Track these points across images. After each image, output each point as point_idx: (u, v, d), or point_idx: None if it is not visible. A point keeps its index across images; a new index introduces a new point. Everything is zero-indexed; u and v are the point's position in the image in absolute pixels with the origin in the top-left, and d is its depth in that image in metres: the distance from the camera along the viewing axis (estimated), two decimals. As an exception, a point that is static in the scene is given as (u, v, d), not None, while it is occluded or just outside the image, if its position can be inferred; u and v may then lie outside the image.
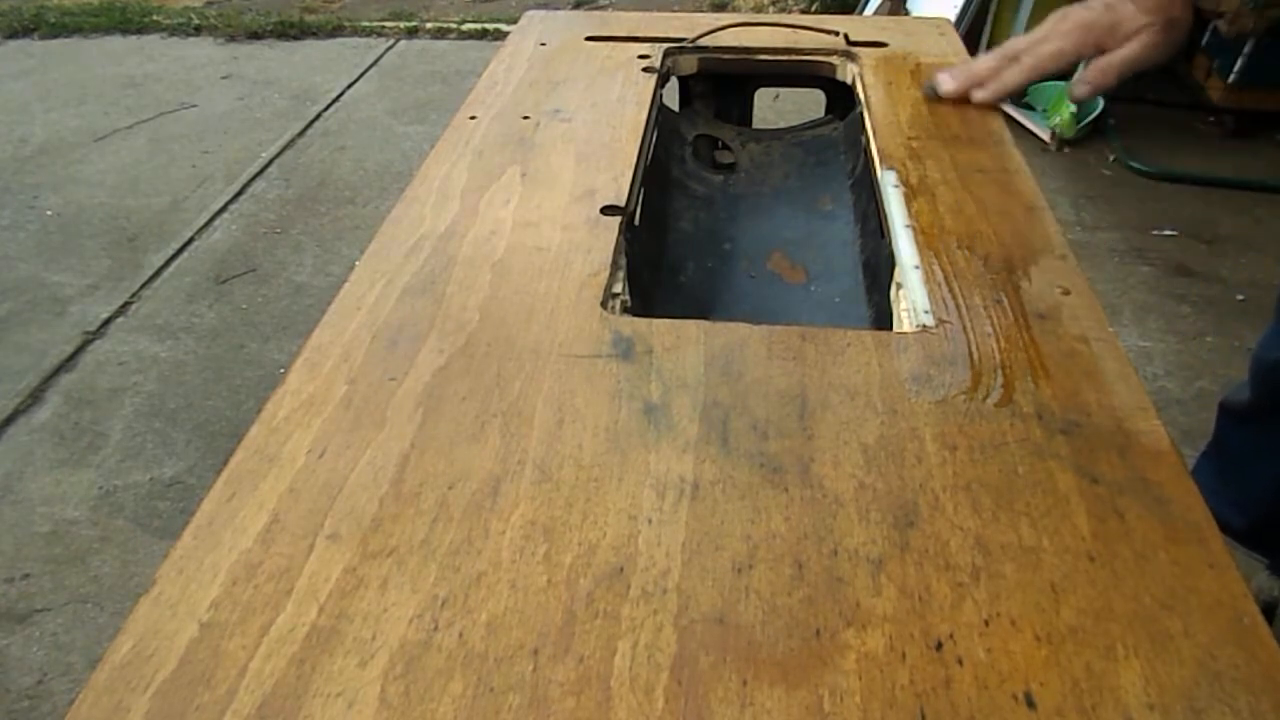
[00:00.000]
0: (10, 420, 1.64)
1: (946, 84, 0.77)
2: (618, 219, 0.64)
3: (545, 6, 3.22)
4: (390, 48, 3.22)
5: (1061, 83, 2.11)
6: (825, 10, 2.98)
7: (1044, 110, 2.28)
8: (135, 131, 2.65)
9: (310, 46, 3.27)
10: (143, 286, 1.99)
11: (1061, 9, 0.74)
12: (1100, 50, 0.71)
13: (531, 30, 0.98)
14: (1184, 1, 0.69)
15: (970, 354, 0.51)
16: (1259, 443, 1.00)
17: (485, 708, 0.34)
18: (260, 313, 1.91)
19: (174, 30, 3.40)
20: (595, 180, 0.69)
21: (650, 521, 0.41)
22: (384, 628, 0.37)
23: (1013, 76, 0.75)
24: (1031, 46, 0.74)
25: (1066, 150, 2.20)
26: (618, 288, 0.58)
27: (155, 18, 3.45)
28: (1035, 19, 2.24)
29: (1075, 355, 0.51)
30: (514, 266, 0.59)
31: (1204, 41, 2.32)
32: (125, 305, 1.93)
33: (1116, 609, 0.37)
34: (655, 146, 0.81)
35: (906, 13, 2.58)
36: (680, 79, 0.95)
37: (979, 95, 0.76)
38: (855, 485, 0.43)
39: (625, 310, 0.57)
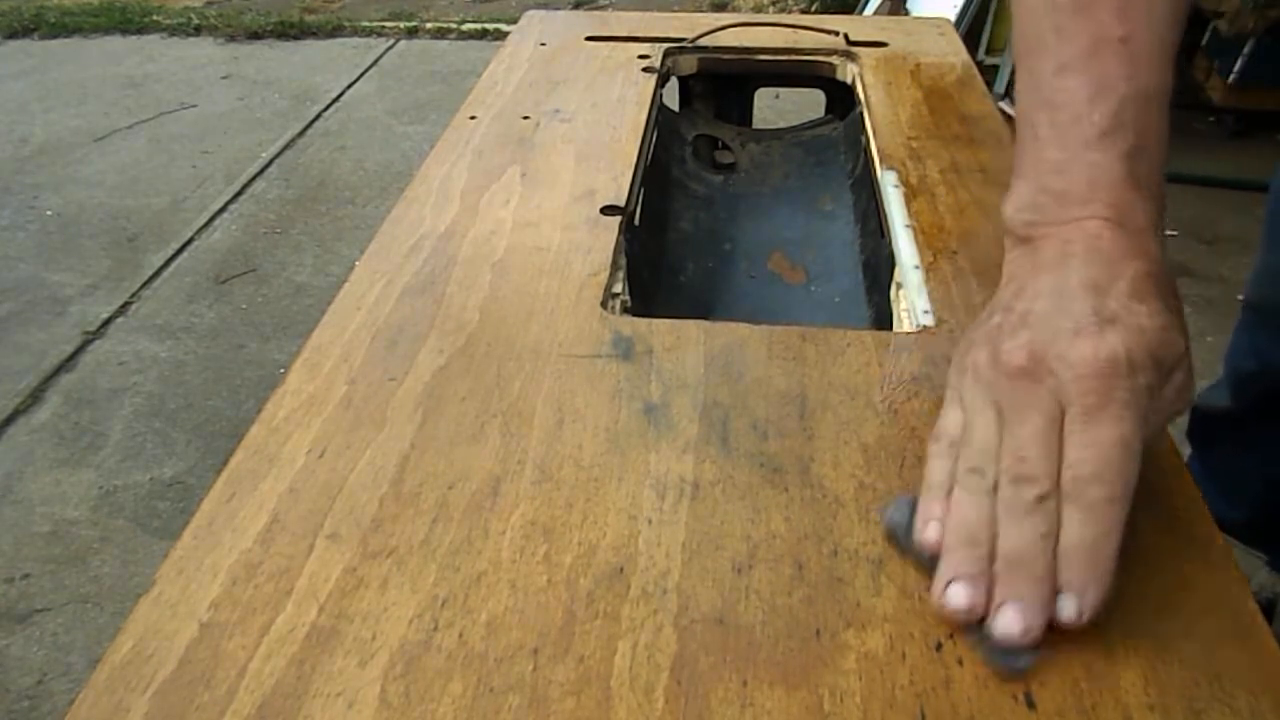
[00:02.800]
0: (10, 420, 1.64)
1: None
2: (618, 219, 0.64)
3: (545, 6, 3.22)
4: (390, 48, 3.22)
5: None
6: (825, 10, 2.98)
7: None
8: (135, 131, 2.65)
9: (310, 46, 3.27)
10: (143, 286, 1.99)
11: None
12: None
13: (531, 30, 0.98)
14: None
15: (970, 354, 0.51)
16: (1244, 443, 1.00)
17: (485, 708, 0.34)
18: (260, 313, 1.91)
19: (174, 30, 3.40)
20: (595, 180, 0.69)
21: (650, 521, 0.41)
22: (384, 628, 0.37)
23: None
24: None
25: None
26: (618, 288, 0.58)
27: (155, 18, 3.45)
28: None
29: (1075, 355, 0.50)
30: (514, 266, 0.59)
31: (1204, 41, 2.32)
32: (125, 305, 1.93)
33: (1116, 609, 0.37)
34: (655, 146, 0.81)
35: (906, 13, 2.58)
36: (680, 79, 0.95)
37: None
38: (855, 485, 0.43)
39: (625, 310, 0.57)
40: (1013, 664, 0.35)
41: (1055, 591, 0.35)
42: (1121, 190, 0.39)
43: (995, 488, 0.36)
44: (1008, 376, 0.37)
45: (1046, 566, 0.35)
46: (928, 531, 0.38)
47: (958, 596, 0.36)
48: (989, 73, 2.52)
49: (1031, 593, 0.35)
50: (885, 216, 0.66)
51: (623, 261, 0.61)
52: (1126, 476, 0.35)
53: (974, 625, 0.36)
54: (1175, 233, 0.89)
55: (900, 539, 0.39)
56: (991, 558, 0.36)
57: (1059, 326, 0.37)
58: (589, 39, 0.95)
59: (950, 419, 0.40)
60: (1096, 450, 0.35)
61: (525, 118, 0.79)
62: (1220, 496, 0.95)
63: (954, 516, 0.37)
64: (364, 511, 0.42)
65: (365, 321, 0.54)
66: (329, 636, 0.36)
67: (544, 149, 0.74)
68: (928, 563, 0.38)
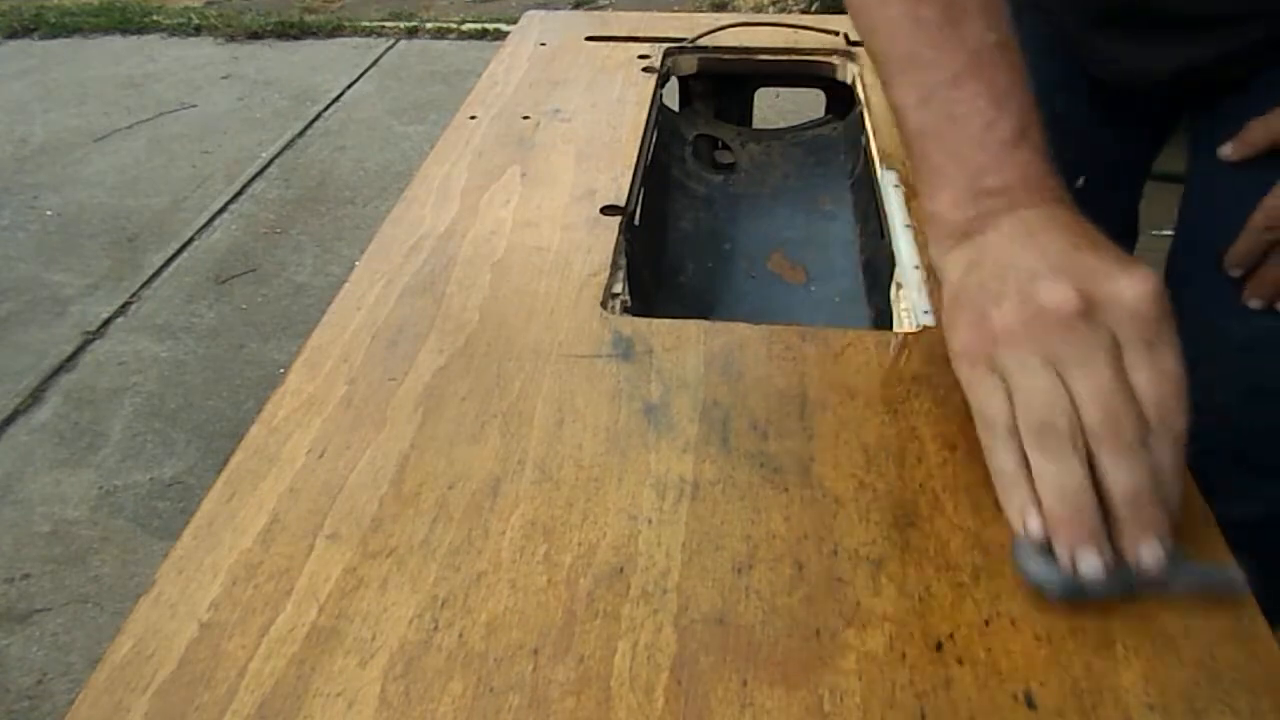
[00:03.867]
0: (10, 420, 1.64)
1: None
2: (618, 219, 0.64)
3: (545, 6, 3.22)
4: (390, 48, 3.22)
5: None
6: (825, 10, 2.98)
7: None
8: (135, 131, 2.65)
9: (310, 46, 3.27)
10: (142, 286, 1.99)
11: None
12: None
13: (531, 30, 0.98)
14: None
15: (970, 354, 0.51)
16: None
17: (485, 708, 0.34)
18: (260, 313, 1.91)
19: (174, 30, 3.40)
20: (595, 180, 0.69)
21: (650, 521, 0.41)
22: (384, 628, 0.37)
23: None
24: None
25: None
26: (618, 288, 0.58)
27: (155, 18, 3.45)
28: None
29: (1075, 355, 0.50)
30: (514, 266, 0.59)
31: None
32: (125, 305, 1.93)
33: (1116, 609, 0.37)
34: (655, 146, 0.81)
35: (906, 13, 2.58)
36: (680, 79, 0.95)
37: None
38: (855, 485, 0.43)
39: (625, 310, 0.57)
40: (1213, 577, 0.37)
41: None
42: (1049, 179, 0.44)
43: (1077, 443, 0.36)
44: (1060, 324, 0.38)
45: (1159, 496, 0.36)
46: (1030, 523, 0.37)
47: (1090, 564, 0.36)
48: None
49: (1161, 526, 0.36)
50: (885, 216, 0.66)
51: (623, 261, 0.61)
52: (1187, 405, 0.37)
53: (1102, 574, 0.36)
54: (1171, 233, 0.89)
55: (1046, 581, 0.37)
56: (1100, 512, 0.36)
57: (1093, 269, 0.38)
58: (589, 39, 0.95)
59: (992, 403, 0.39)
60: (1171, 383, 0.37)
61: (525, 118, 0.79)
62: None
63: (1047, 487, 0.37)
64: (364, 511, 0.42)
65: (365, 321, 0.54)
66: (329, 636, 0.36)
67: (544, 149, 0.74)
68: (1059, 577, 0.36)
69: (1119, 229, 0.89)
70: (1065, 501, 0.36)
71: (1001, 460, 0.39)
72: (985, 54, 0.44)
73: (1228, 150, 0.63)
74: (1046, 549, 0.37)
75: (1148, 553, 0.36)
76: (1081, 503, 0.36)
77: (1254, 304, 0.62)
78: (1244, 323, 0.64)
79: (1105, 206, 0.84)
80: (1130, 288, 0.37)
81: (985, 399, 0.40)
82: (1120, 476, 0.36)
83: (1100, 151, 0.80)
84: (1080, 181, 0.80)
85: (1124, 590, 0.36)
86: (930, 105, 0.45)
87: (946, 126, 0.45)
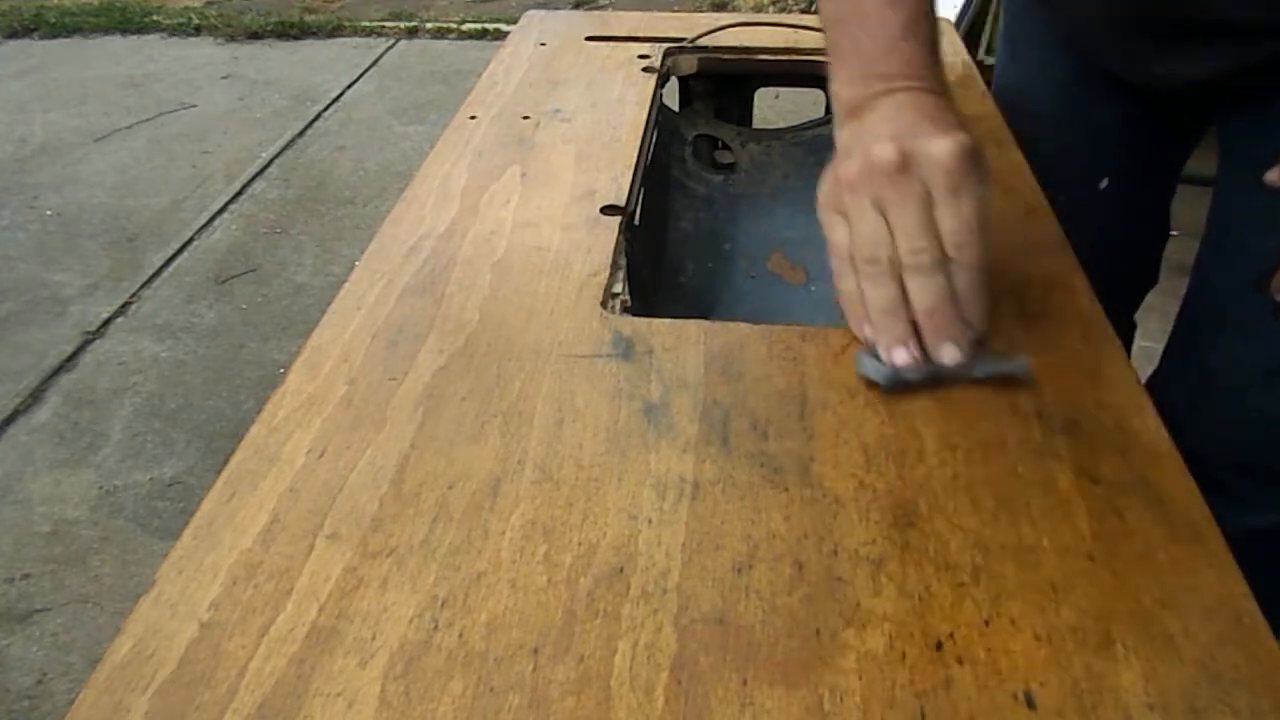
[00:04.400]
0: (10, 420, 1.64)
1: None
2: (618, 219, 0.64)
3: (545, 6, 3.22)
4: (390, 48, 3.22)
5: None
6: (825, 10, 2.97)
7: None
8: (135, 131, 2.65)
9: (310, 46, 3.27)
10: (142, 286, 1.99)
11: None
12: None
13: (531, 30, 0.98)
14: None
15: (970, 354, 0.51)
16: None
17: (485, 708, 0.34)
18: (260, 313, 1.91)
19: (174, 30, 3.40)
20: (595, 180, 0.69)
21: (650, 521, 0.41)
22: (384, 628, 0.37)
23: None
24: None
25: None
26: (618, 288, 0.58)
27: (155, 18, 3.45)
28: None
29: (1075, 355, 0.51)
30: (514, 266, 0.59)
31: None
32: (125, 305, 1.93)
33: (1116, 609, 0.37)
34: (655, 146, 0.81)
35: (906, 13, 2.58)
36: (680, 79, 0.95)
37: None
38: (855, 485, 0.43)
39: (625, 310, 0.57)
40: (1004, 367, 0.48)
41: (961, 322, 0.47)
42: (928, 70, 0.51)
43: (893, 271, 0.47)
44: (884, 174, 0.46)
45: (953, 308, 0.47)
46: (864, 331, 0.49)
47: (900, 356, 0.47)
48: (989, 72, 2.51)
49: (953, 330, 0.47)
50: (885, 216, 0.66)
51: (623, 261, 0.61)
52: (986, 239, 0.46)
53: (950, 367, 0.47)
54: (1177, 233, 0.89)
55: (874, 373, 0.48)
56: (910, 319, 0.47)
57: (918, 130, 0.47)
58: (589, 39, 0.95)
59: (836, 239, 0.49)
60: (965, 222, 0.46)
61: (525, 118, 0.79)
62: None
63: (870, 304, 0.48)
64: (364, 511, 0.42)
65: (365, 321, 0.54)
66: (329, 636, 0.36)
67: (544, 149, 0.74)
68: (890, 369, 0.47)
69: (1145, 229, 0.88)
70: (882, 314, 0.47)
71: (843, 284, 0.50)
72: None
73: (1274, 176, 0.63)
74: (875, 352, 0.48)
75: (944, 351, 0.47)
76: (893, 315, 0.47)
77: None
78: (1268, 339, 0.64)
79: (1132, 205, 0.83)
80: (940, 146, 0.46)
81: (832, 236, 0.50)
82: (919, 295, 0.46)
83: (1128, 150, 0.80)
84: (1104, 183, 0.80)
85: (933, 379, 0.47)
86: (842, 2, 0.53)
87: (850, 17, 0.53)
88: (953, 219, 0.46)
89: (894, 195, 0.46)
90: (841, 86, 0.53)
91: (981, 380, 0.47)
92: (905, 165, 0.46)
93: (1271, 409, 0.66)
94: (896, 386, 0.47)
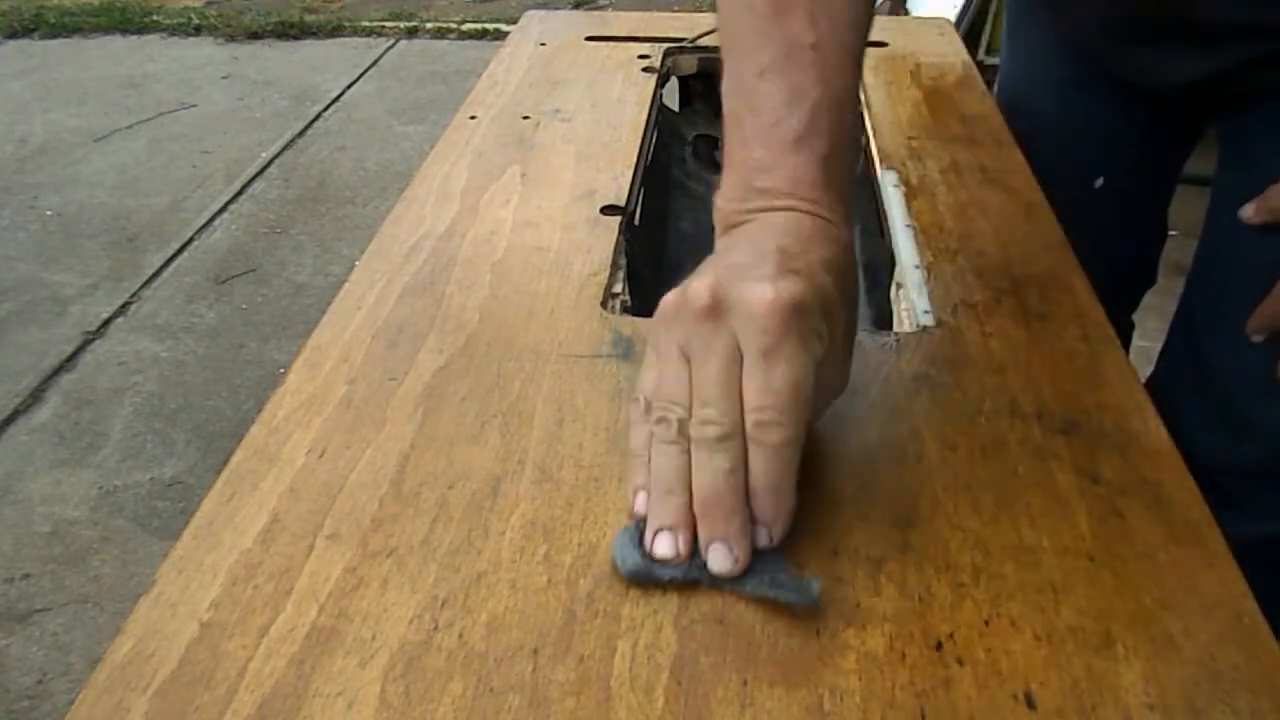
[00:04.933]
0: (10, 420, 1.64)
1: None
2: (618, 219, 0.64)
3: (545, 6, 3.22)
4: (390, 48, 3.22)
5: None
6: (825, 10, 2.97)
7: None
8: (135, 131, 2.65)
9: (310, 46, 3.27)
10: (142, 286, 1.99)
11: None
12: None
13: (531, 30, 0.98)
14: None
15: (970, 354, 0.51)
16: None
17: (485, 708, 0.34)
18: (260, 313, 1.91)
19: (174, 30, 3.40)
20: (595, 180, 0.69)
21: (650, 521, 0.41)
22: (384, 628, 0.37)
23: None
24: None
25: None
26: (618, 287, 0.58)
27: (155, 18, 3.46)
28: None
29: (1075, 355, 0.51)
30: (514, 266, 0.59)
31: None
32: (125, 305, 1.93)
33: (1116, 609, 0.37)
34: (655, 146, 0.81)
35: (906, 13, 2.58)
36: (680, 79, 0.95)
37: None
38: (855, 485, 0.43)
39: (625, 310, 0.57)
40: (803, 596, 0.36)
41: (750, 522, 0.37)
42: (818, 189, 0.42)
43: (683, 437, 0.37)
44: (693, 318, 0.38)
45: (738, 502, 0.37)
46: (636, 503, 0.39)
47: (662, 547, 0.37)
48: (989, 72, 2.51)
49: (729, 530, 0.37)
50: (885, 216, 0.66)
51: (623, 261, 0.61)
52: (800, 416, 0.37)
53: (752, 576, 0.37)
54: (1176, 233, 0.89)
55: (622, 556, 0.38)
56: (690, 503, 0.37)
57: (745, 273, 0.38)
58: (589, 39, 0.95)
59: (643, 380, 0.40)
60: (776, 393, 0.36)
61: (525, 118, 0.79)
62: None
63: (653, 470, 0.38)
64: (364, 511, 0.42)
65: (365, 321, 0.54)
66: (329, 636, 0.36)
67: (544, 149, 0.74)
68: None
69: (1144, 229, 0.88)
70: (658, 489, 0.38)
71: (634, 434, 0.40)
72: (795, 52, 0.44)
73: (1248, 212, 0.62)
74: (641, 529, 0.39)
75: (711, 554, 0.37)
76: (668, 492, 0.37)
77: None
78: (1261, 345, 0.63)
79: (1131, 206, 0.83)
80: (758, 296, 0.37)
81: (643, 374, 0.40)
82: (699, 475, 0.37)
83: (1127, 150, 0.79)
84: (1099, 182, 0.80)
85: (696, 579, 0.37)
86: (739, 94, 0.46)
87: (746, 117, 0.45)
88: (758, 388, 0.36)
89: (699, 345, 0.37)
90: (722, 199, 0.45)
91: (760, 598, 0.37)
92: (716, 311, 0.37)
93: (1268, 414, 0.66)
94: (639, 580, 0.38)
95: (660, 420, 0.38)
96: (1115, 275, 0.69)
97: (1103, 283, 0.57)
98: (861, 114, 0.81)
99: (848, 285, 0.42)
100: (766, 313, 0.36)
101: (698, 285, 0.38)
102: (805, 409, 0.37)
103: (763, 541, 0.38)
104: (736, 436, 0.36)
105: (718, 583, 0.37)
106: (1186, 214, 0.88)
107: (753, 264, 0.39)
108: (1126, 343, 0.93)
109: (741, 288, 0.37)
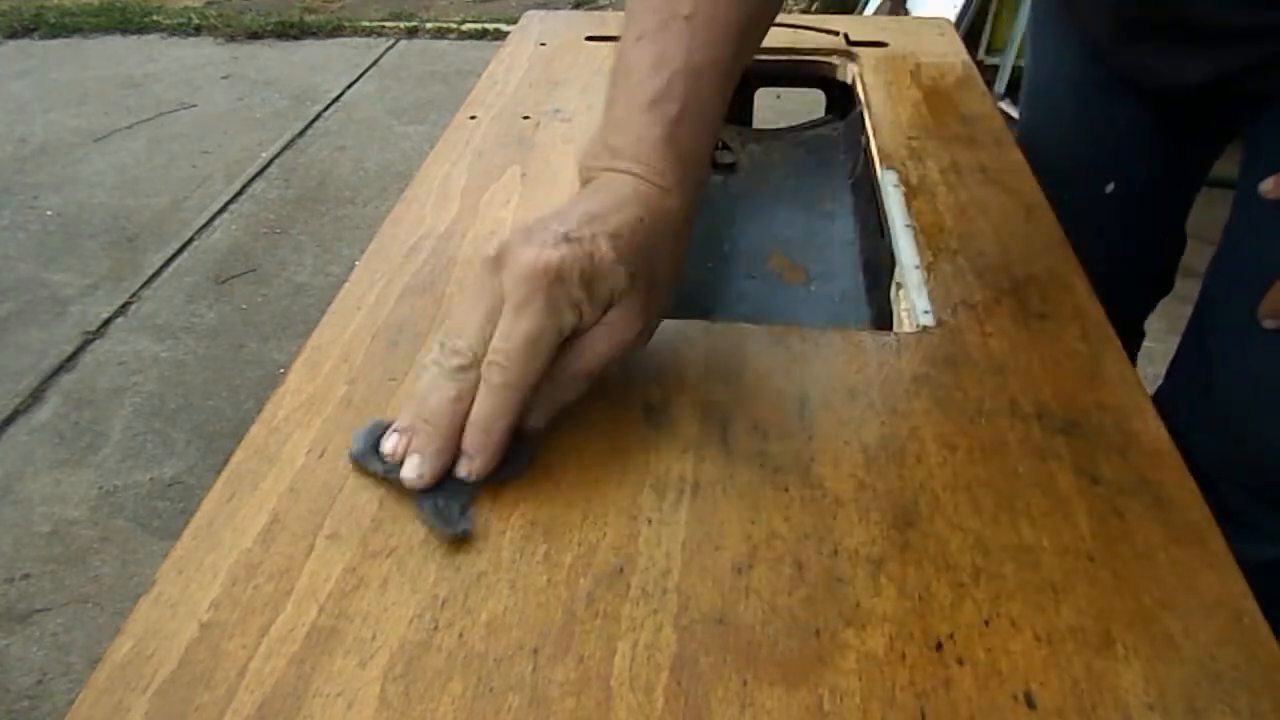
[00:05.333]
0: (10, 420, 1.64)
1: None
2: (618, 219, 0.64)
3: (545, 6, 3.22)
4: (390, 48, 3.22)
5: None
6: (825, 10, 2.98)
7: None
8: (135, 131, 2.66)
9: (310, 46, 3.27)
10: (143, 286, 1.99)
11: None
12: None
13: (531, 30, 0.98)
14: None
15: (970, 354, 0.51)
16: None
17: (485, 708, 0.34)
18: (260, 313, 1.91)
19: (174, 30, 3.40)
20: (595, 180, 0.69)
21: (650, 521, 0.41)
22: (384, 628, 0.37)
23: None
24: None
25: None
26: (618, 288, 0.58)
27: (155, 18, 3.46)
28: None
29: (1075, 355, 0.51)
30: (514, 266, 0.59)
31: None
32: (125, 305, 1.93)
33: (1116, 609, 0.37)
34: (655, 146, 0.81)
35: (906, 13, 2.59)
36: (680, 79, 0.95)
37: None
38: (855, 485, 0.43)
39: (625, 310, 0.57)
40: (449, 528, 0.40)
41: (455, 450, 0.41)
42: (658, 152, 0.45)
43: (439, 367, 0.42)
44: (480, 266, 0.42)
45: (448, 426, 0.41)
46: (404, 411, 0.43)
47: (388, 444, 0.42)
48: (989, 72, 2.52)
49: (430, 447, 0.41)
50: (885, 216, 0.66)
51: (623, 261, 0.60)
52: (527, 368, 0.41)
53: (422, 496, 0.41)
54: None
55: (358, 455, 0.44)
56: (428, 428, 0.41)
57: (533, 235, 0.42)
58: (589, 39, 0.95)
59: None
60: (509, 341, 0.40)
61: (525, 118, 0.79)
62: None
63: (417, 384, 0.43)
64: (364, 511, 0.42)
65: (365, 321, 0.54)
66: (329, 636, 0.36)
67: (544, 149, 0.74)
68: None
69: (1159, 235, 0.87)
70: (412, 400, 0.42)
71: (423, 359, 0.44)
72: (669, 22, 0.47)
73: (1268, 185, 0.62)
74: (384, 427, 0.43)
75: (407, 463, 0.41)
76: (417, 404, 0.42)
77: None
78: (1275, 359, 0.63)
79: (1147, 210, 0.82)
80: (526, 255, 0.41)
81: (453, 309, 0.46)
82: (430, 396, 0.41)
83: (1142, 155, 0.78)
84: (1110, 186, 0.79)
85: (395, 480, 0.41)
86: (618, 58, 0.49)
87: (619, 79, 0.48)
88: (500, 334, 0.41)
89: (475, 290, 0.42)
90: (583, 153, 0.48)
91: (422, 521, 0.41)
92: (497, 264, 0.41)
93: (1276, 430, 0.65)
94: (357, 465, 0.43)
95: (438, 345, 0.42)
96: (1128, 280, 0.68)
97: (1114, 287, 0.56)
98: (862, 114, 0.81)
99: (654, 250, 0.44)
100: (524, 274, 0.40)
101: (495, 240, 0.43)
102: (535, 361, 0.41)
103: (461, 472, 0.41)
104: (473, 371, 0.41)
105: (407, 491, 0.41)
106: (1196, 216, 0.88)
107: (548, 225, 0.42)
108: (1133, 352, 0.91)
109: (519, 249, 0.41)
